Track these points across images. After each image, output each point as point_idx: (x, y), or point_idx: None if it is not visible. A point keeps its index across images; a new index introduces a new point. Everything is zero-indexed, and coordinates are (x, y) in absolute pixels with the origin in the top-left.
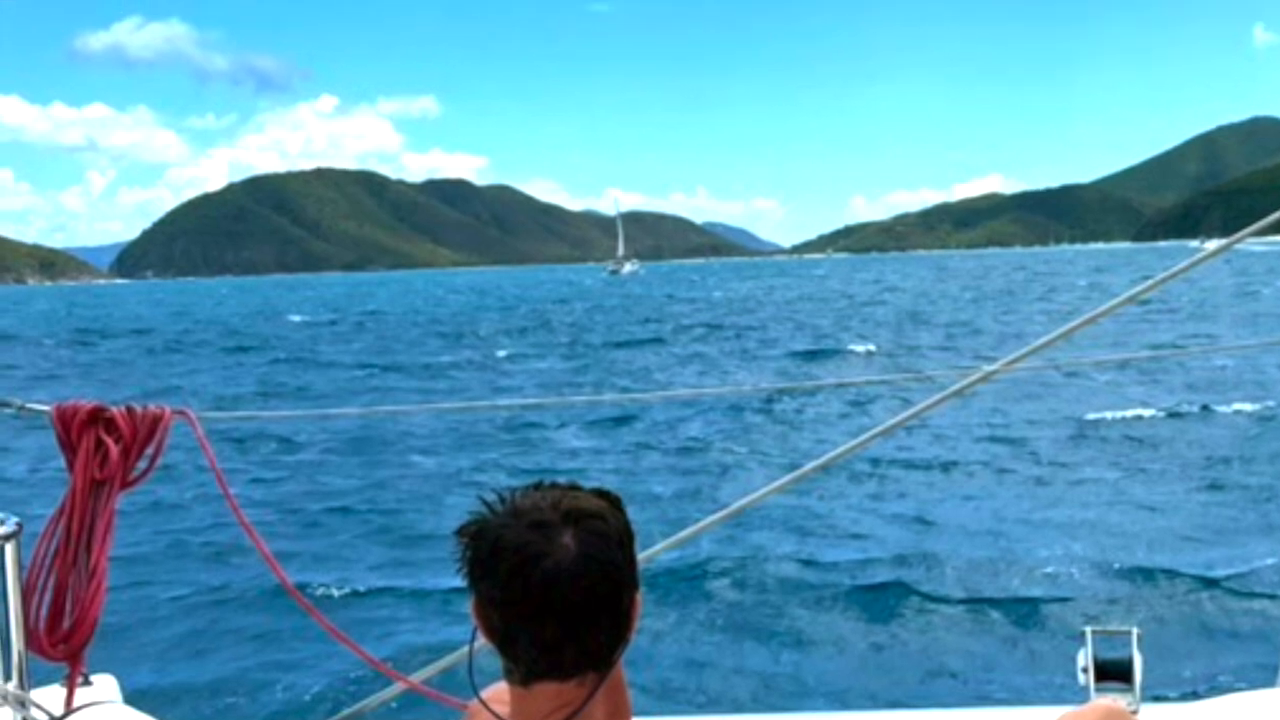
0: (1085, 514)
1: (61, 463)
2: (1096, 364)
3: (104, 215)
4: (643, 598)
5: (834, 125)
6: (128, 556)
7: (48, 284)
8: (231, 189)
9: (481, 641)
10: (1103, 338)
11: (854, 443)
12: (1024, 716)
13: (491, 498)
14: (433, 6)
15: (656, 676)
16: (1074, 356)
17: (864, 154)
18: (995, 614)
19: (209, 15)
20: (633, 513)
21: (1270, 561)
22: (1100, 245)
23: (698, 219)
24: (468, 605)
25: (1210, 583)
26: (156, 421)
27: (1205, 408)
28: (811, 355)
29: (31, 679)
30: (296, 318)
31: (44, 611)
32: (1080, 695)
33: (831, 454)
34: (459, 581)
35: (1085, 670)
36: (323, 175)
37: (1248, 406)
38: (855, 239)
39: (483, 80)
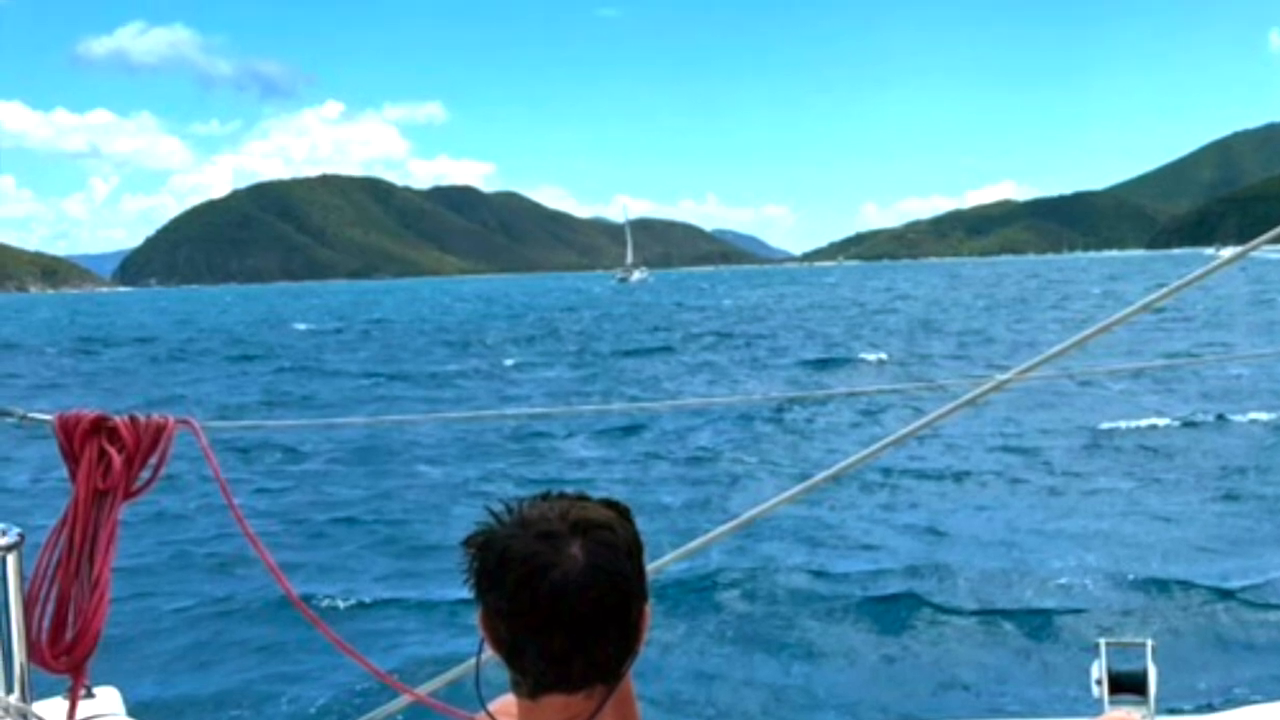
0: (1099, 525)
1: (64, 473)
2: (1110, 373)
3: (107, 222)
4: (652, 609)
5: (845, 131)
6: (131, 567)
7: (50, 292)
8: (236, 196)
9: (489, 653)
10: (1117, 346)
11: (865, 452)
12: None
13: (499, 508)
14: (439, 11)
15: (666, 689)
16: (1088, 365)
17: (875, 160)
18: (1008, 625)
19: (213, 20)
20: (641, 523)
21: None
22: (1114, 252)
23: (707, 226)
24: (475, 617)
25: (1226, 594)
26: (160, 431)
27: (1220, 417)
28: (822, 364)
29: (33, 691)
30: (302, 326)
31: (46, 623)
32: (1094, 708)
33: (843, 464)
34: (466, 593)
35: (1099, 683)
36: (328, 182)
37: (1264, 416)
38: (866, 246)
39: (490, 86)
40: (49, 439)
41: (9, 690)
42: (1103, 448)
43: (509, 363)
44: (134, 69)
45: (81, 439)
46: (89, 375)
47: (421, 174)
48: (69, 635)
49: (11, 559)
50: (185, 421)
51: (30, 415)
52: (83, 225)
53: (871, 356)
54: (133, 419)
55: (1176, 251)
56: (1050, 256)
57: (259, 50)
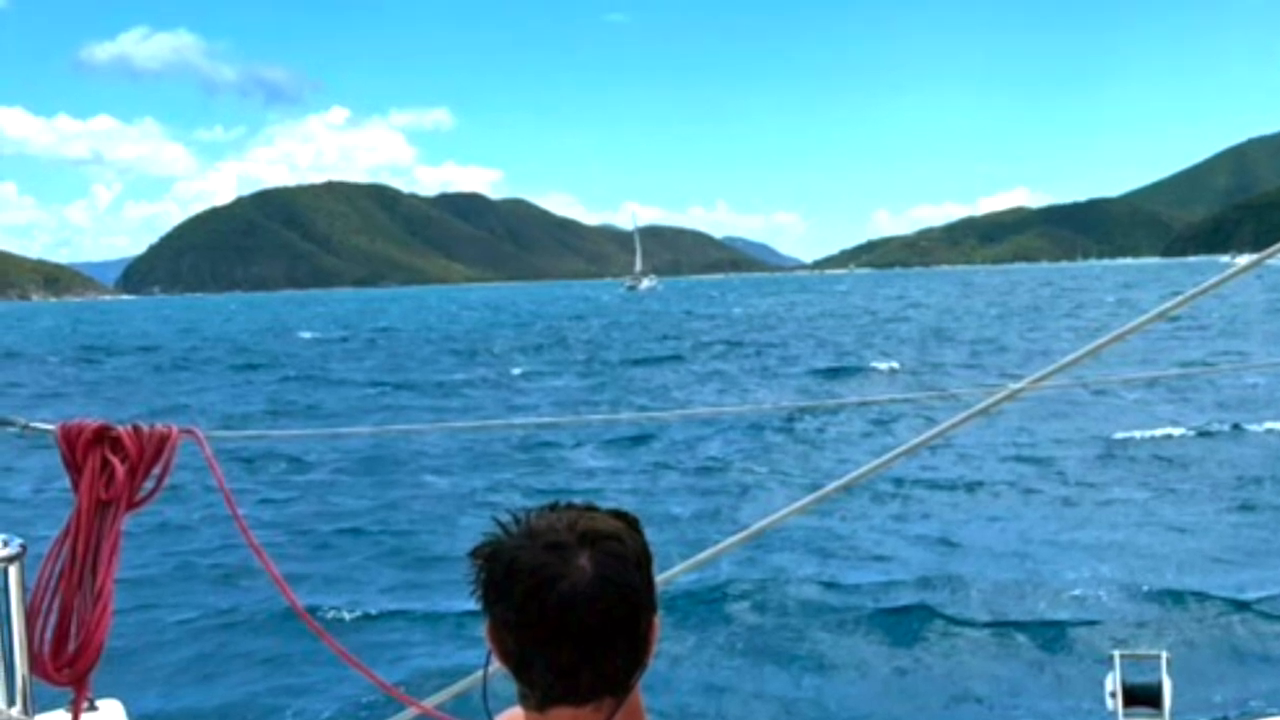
0: (1113, 535)
1: (66, 483)
2: (1125, 382)
3: (110, 230)
4: (661, 621)
5: (856, 137)
6: (134, 579)
7: (52, 300)
8: (240, 203)
9: (496, 665)
10: (1131, 355)
11: (877, 462)
12: None
13: (506, 519)
14: (446, 16)
15: (675, 702)
16: (1102, 374)
17: (887, 167)
18: (1021, 637)
19: (217, 25)
20: (650, 534)
21: None
22: (1128, 260)
23: (717, 233)
24: (482, 628)
25: (1241, 605)
26: (163, 441)
27: (1236, 426)
28: (833, 373)
29: (36, 704)
30: (307, 334)
31: (48, 635)
32: None
33: (854, 474)
34: (473, 604)
35: (1114, 695)
36: (334, 189)
37: None
38: (878, 254)
39: (497, 92)
40: (51, 449)
41: (10, 703)
42: (1117, 458)
43: (516, 371)
44: (137, 75)
45: (84, 449)
46: (92, 384)
47: (428, 181)
48: (71, 647)
49: (13, 570)
50: (189, 431)
51: (32, 425)
52: (85, 233)
53: (883, 365)
54: (136, 429)
55: (1192, 259)
56: (1064, 264)
57: (264, 55)
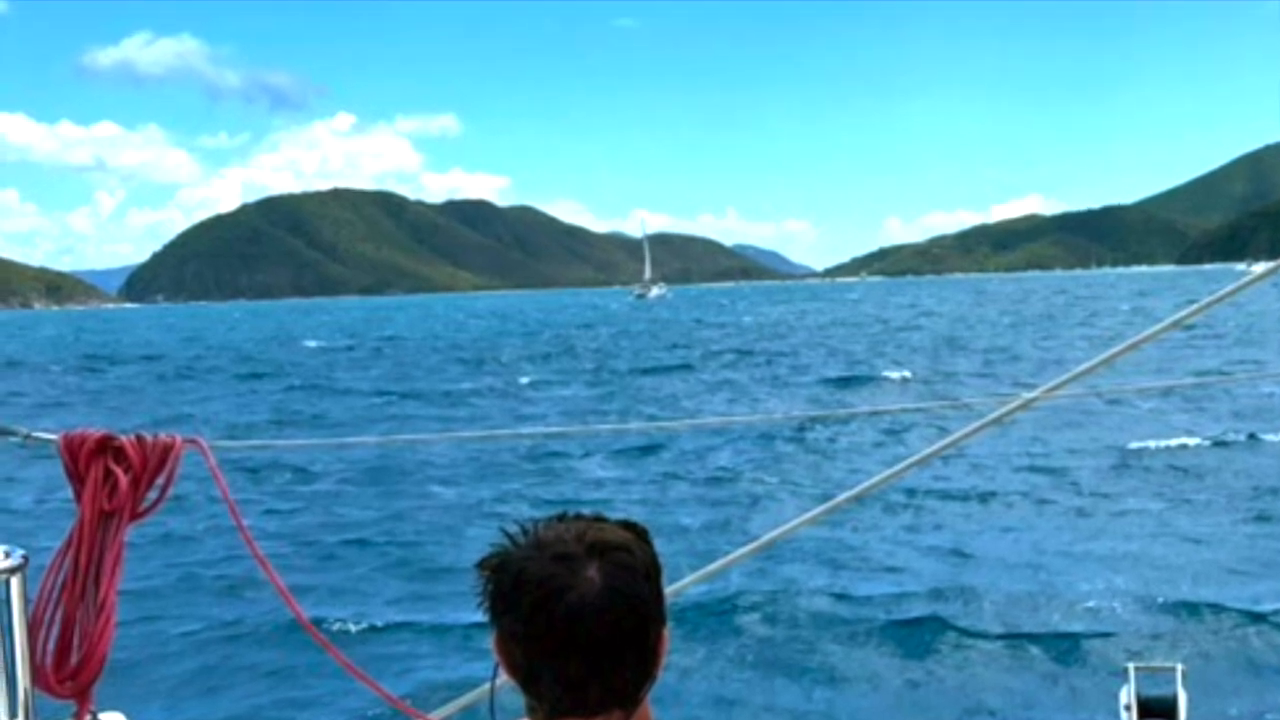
0: (1128, 546)
1: (69, 493)
2: (1140, 391)
3: (113, 237)
4: (670, 633)
5: (868, 144)
6: (137, 590)
7: (55, 308)
8: (245, 210)
9: (503, 678)
10: (1146, 364)
11: (889, 472)
12: None
13: (514, 529)
14: (453, 22)
15: (685, 715)
16: (1116, 383)
17: (899, 174)
18: (1035, 650)
19: (221, 30)
20: (660, 545)
21: None
22: (1143, 268)
23: (727, 241)
24: (489, 641)
25: (1258, 617)
26: (167, 451)
27: (1252, 436)
28: (845, 382)
29: (38, 717)
30: (312, 343)
31: (51, 647)
32: None
33: (866, 484)
34: (480, 616)
35: (1128, 708)
36: (339, 196)
37: None
38: (890, 262)
39: (505, 98)
40: (54, 459)
41: (13, 716)
42: (1131, 468)
43: (524, 381)
44: (140, 80)
45: (87, 459)
46: (94, 393)
47: (435, 188)
48: (74, 659)
49: (16, 581)
50: (193, 441)
51: (34, 434)
52: (88, 240)
53: (895, 374)
54: (139, 438)
55: (1207, 267)
56: (1078, 272)
57: (268, 61)
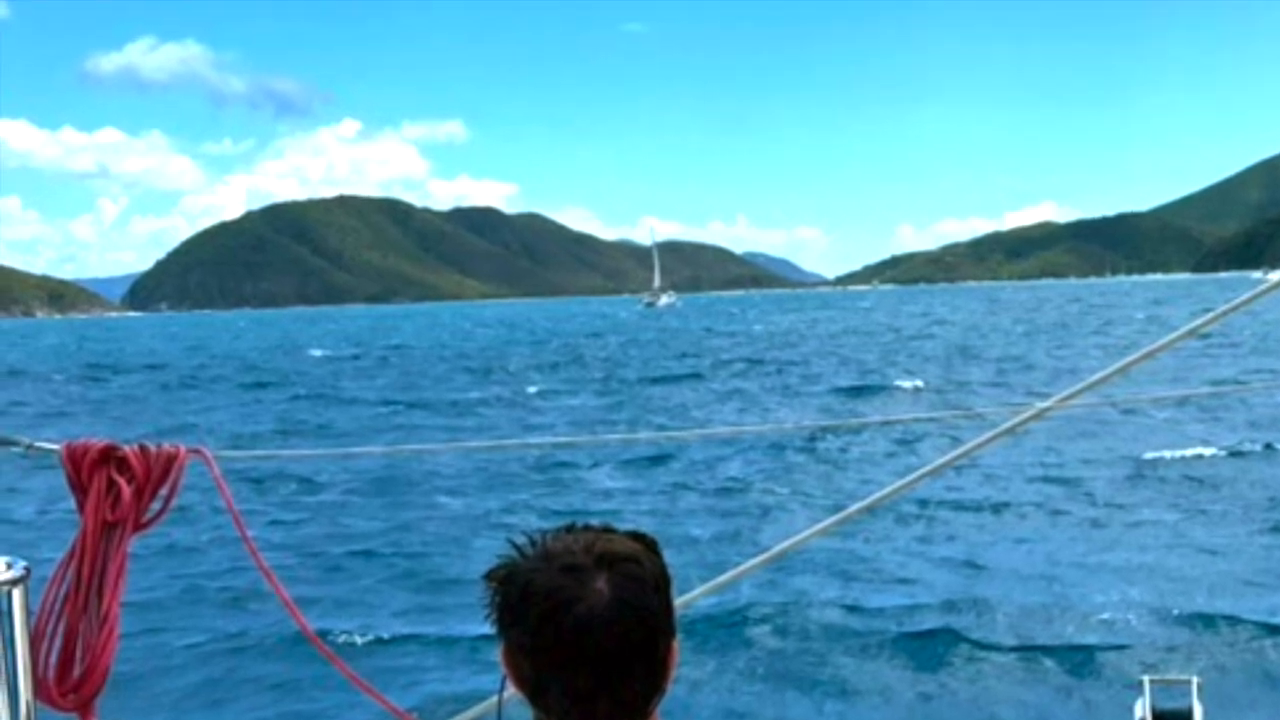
0: (1143, 557)
1: (71, 504)
2: (1154, 401)
3: (116, 245)
4: (680, 645)
5: (880, 151)
6: (141, 602)
7: (57, 317)
8: (249, 217)
9: (511, 691)
10: (1161, 373)
11: (901, 483)
12: None
13: (521, 540)
14: (460, 27)
15: None
16: (1131, 393)
17: (911, 181)
18: (1049, 662)
19: (225, 36)
20: (669, 556)
21: None
22: (1158, 276)
23: (737, 249)
24: (497, 653)
25: (1274, 629)
26: (171, 461)
27: (1269, 446)
28: (856, 391)
29: None
30: (317, 352)
31: (53, 659)
32: None
33: (877, 495)
34: (487, 628)
35: None
36: (345, 203)
37: None
38: (902, 270)
39: (512, 103)
40: (56, 469)
41: None
42: (1147, 478)
43: (532, 390)
44: (144, 86)
45: (90, 469)
46: (97, 403)
47: (441, 195)
48: (77, 672)
49: (18, 593)
50: (197, 451)
51: (37, 444)
52: (91, 248)
53: (907, 384)
54: (143, 448)
55: (1223, 275)
56: (1092, 280)
57: (273, 67)
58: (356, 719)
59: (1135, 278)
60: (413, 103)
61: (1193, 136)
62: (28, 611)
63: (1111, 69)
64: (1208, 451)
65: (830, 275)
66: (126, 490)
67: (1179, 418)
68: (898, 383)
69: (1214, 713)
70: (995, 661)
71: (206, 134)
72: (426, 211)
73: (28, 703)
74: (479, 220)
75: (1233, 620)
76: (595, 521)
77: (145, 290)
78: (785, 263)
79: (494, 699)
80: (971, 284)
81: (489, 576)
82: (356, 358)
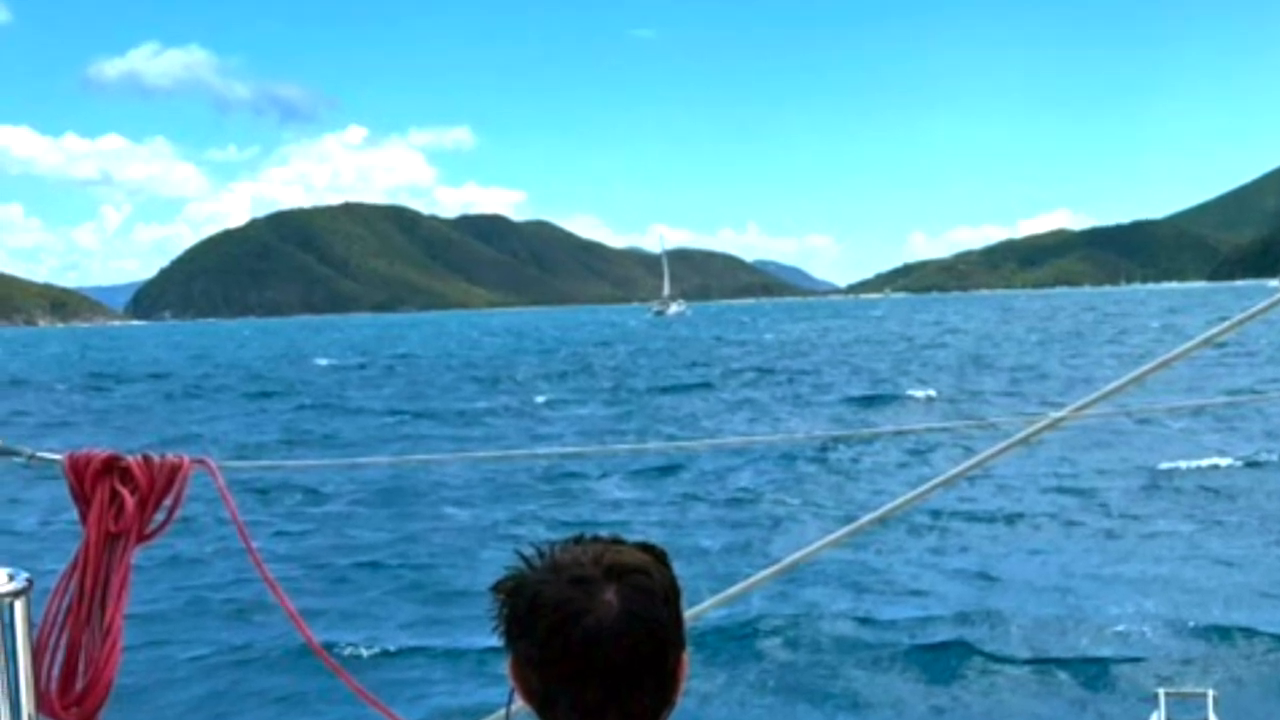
0: (1158, 569)
1: (74, 515)
2: (1170, 410)
3: (119, 253)
4: (690, 658)
5: (892, 157)
6: (144, 614)
7: (60, 325)
8: (254, 225)
9: (519, 704)
10: (1177, 383)
11: (913, 494)
12: None
13: (529, 552)
14: (467, 32)
15: None
16: (1146, 402)
17: (924, 188)
18: (1063, 675)
19: (230, 41)
20: (679, 567)
21: None
22: (1174, 284)
23: (748, 257)
24: (504, 666)
25: None
26: (175, 471)
27: None
28: (868, 401)
29: None
30: (323, 361)
31: (56, 672)
32: None
33: (890, 505)
34: (495, 640)
35: None
36: (351, 210)
37: None
38: (915, 278)
39: (520, 110)
40: (59, 480)
41: None
42: (1162, 489)
43: (540, 400)
44: (147, 92)
45: (93, 480)
46: (100, 413)
47: (449, 202)
48: (80, 685)
49: (20, 605)
50: (201, 461)
51: (39, 455)
52: (94, 256)
53: (920, 393)
54: (146, 459)
55: (1239, 283)
56: (1107, 288)
57: (278, 73)
58: None
59: (1150, 286)
60: (419, 109)
61: (1209, 143)
62: (30, 624)
63: (1126, 75)
64: (1224, 462)
65: (842, 283)
66: (130, 501)
67: (1195, 428)
68: (910, 392)
69: None
70: (1009, 674)
71: (211, 140)
72: (433, 219)
73: (30, 716)
74: (486, 228)
75: (1249, 633)
76: (604, 533)
77: (149, 298)
78: (796, 271)
79: (501, 712)
80: (985, 292)
81: (496, 588)
82: (363, 367)
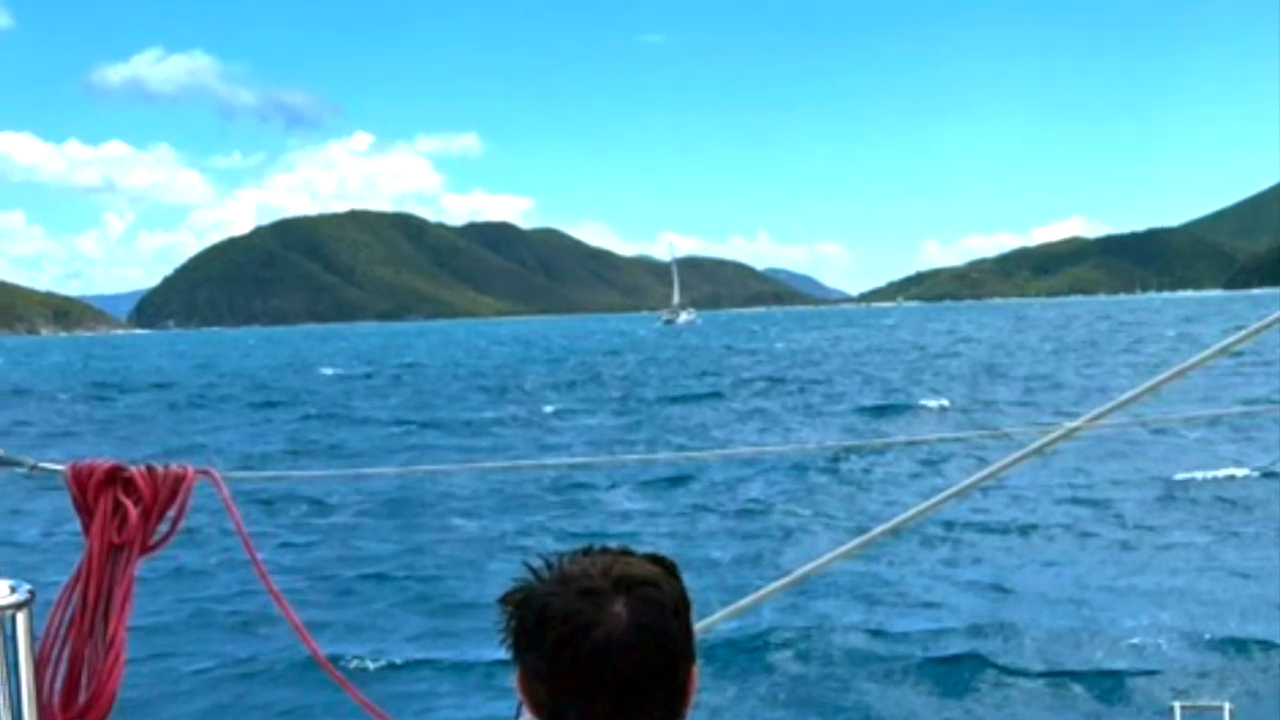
0: (1174, 581)
1: (77, 526)
2: (1186, 420)
3: (122, 261)
4: (700, 670)
5: (904, 164)
6: (148, 626)
7: (62, 334)
8: (259, 233)
9: (527, 717)
10: (1192, 392)
11: (926, 504)
12: None
13: (538, 563)
14: (474, 38)
15: None
16: (1162, 412)
17: (936, 195)
18: (1077, 688)
19: (234, 47)
20: (689, 579)
21: None
22: (1190, 293)
23: (759, 265)
24: (512, 679)
25: None
26: (179, 482)
27: None
28: (881, 411)
29: None
30: (329, 370)
31: (58, 684)
32: None
33: (902, 516)
34: (503, 653)
35: None
36: (357, 218)
37: None
38: (927, 286)
39: (528, 116)
40: (61, 490)
41: None
42: (1178, 499)
43: (548, 409)
44: (151, 98)
45: (96, 490)
46: (103, 423)
47: (456, 210)
48: (82, 698)
49: (22, 617)
50: (205, 472)
51: (41, 465)
52: (97, 264)
53: (933, 403)
54: (150, 469)
55: (1256, 291)
56: (1122, 297)
57: (283, 79)
58: None
59: (1166, 294)
60: (426, 115)
61: (1224, 150)
62: (32, 636)
63: (1140, 81)
64: (1240, 472)
65: (854, 292)
66: (133, 512)
67: (1211, 438)
68: (923, 402)
69: None
70: (1023, 687)
71: (215, 147)
72: (440, 227)
73: None
74: (494, 236)
75: (1266, 645)
76: (613, 544)
77: (152, 307)
78: (808, 279)
79: None
80: (998, 301)
81: (504, 600)
82: (369, 376)
